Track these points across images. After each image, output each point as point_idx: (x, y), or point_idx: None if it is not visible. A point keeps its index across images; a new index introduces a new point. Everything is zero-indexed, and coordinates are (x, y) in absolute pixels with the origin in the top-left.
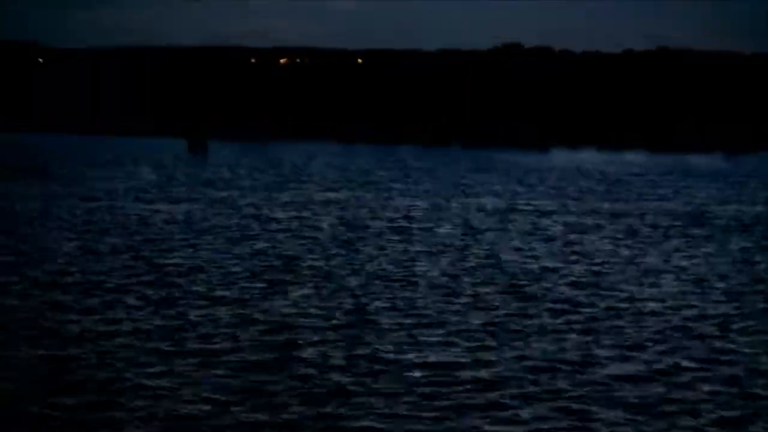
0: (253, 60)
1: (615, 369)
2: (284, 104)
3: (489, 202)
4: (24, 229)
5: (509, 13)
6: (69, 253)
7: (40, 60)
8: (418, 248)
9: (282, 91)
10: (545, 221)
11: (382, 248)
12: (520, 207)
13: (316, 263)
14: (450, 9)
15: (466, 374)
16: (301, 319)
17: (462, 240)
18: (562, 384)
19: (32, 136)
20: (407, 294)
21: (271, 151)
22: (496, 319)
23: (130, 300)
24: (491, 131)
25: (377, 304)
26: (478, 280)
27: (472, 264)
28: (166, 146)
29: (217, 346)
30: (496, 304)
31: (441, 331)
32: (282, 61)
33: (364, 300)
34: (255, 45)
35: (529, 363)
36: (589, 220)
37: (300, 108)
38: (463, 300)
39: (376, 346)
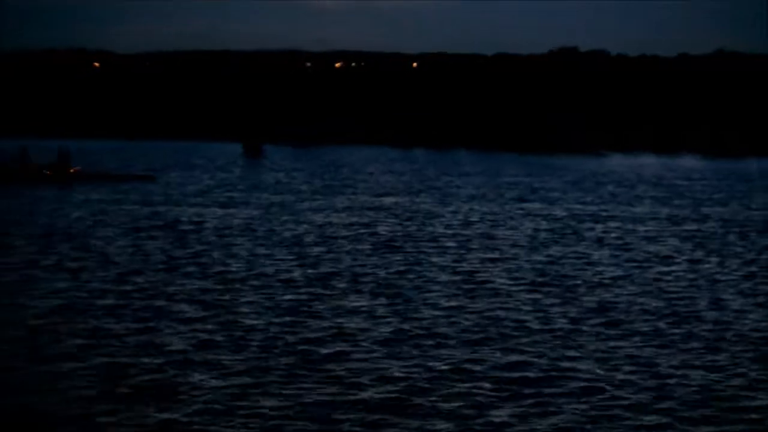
0: (308, 64)
1: (675, 379)
2: (339, 108)
3: (546, 207)
4: (82, 234)
5: (565, 17)
6: (126, 258)
7: (96, 65)
8: (477, 255)
9: (337, 94)
10: (603, 227)
11: (441, 255)
12: (578, 212)
13: (374, 270)
14: (506, 12)
15: (527, 386)
16: (359, 328)
17: (520, 246)
18: (623, 393)
19: (86, 142)
20: (466, 302)
21: (327, 155)
22: (556, 329)
23: (187, 307)
24: (547, 136)
25: (435, 311)
26: (537, 288)
27: (531, 271)
28: (222, 150)
29: (274, 356)
30: (555, 312)
31: (501, 343)
32: (337, 65)
33: (422, 308)
34: (310, 49)
35: (589, 375)
36: (647, 227)
37: (355, 112)
38: (522, 309)
39: (435, 356)
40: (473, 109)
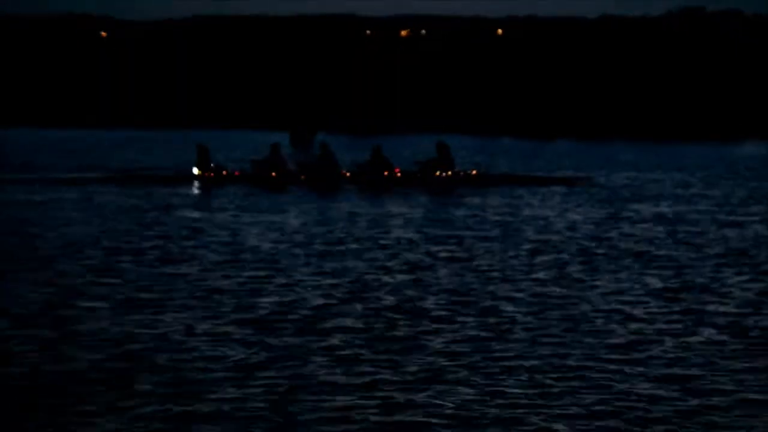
0: (367, 32)
1: None
2: (406, 87)
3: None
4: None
5: None
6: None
7: (103, 33)
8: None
9: (402, 70)
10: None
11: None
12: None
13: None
14: None
15: None
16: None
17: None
18: None
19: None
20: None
21: (394, 146)
22: None
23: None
24: (663, 121)
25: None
26: None
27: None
28: (264, 140)
29: None
30: None
31: None
32: (403, 32)
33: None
34: (368, 13)
35: None
36: None
37: (426, 92)
38: None
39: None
40: (572, 86)
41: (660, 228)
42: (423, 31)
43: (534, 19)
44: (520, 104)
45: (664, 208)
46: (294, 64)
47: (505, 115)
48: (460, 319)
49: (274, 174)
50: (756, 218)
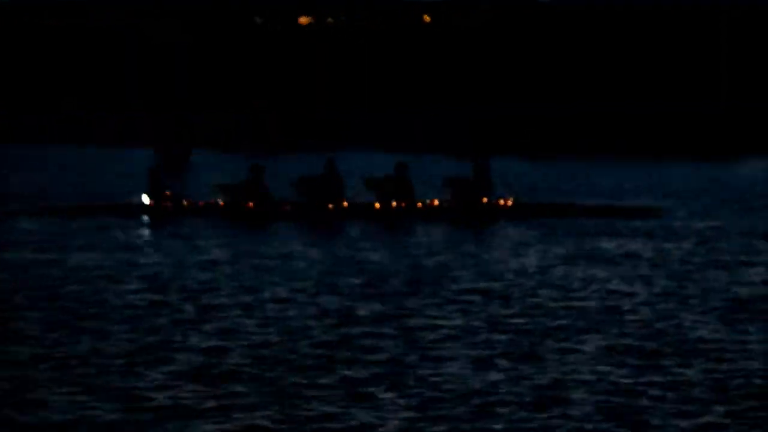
0: (257, 19)
1: None
2: (305, 92)
3: None
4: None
5: None
6: None
7: None
8: None
9: (301, 69)
10: None
11: None
12: None
13: None
14: None
15: None
16: None
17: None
18: None
19: None
20: None
21: (292, 167)
22: None
23: None
24: (646, 134)
25: None
26: None
27: None
28: (126, 161)
29: None
30: None
31: None
32: (302, 20)
33: None
34: None
35: None
36: None
37: (329, 98)
38: None
39: None
40: (521, 89)
41: (638, 272)
42: (329, 20)
43: (472, 2)
44: (452, 112)
45: (642, 245)
46: (162, 61)
47: (431, 127)
48: (394, 391)
49: (251, 203)
50: (763, 258)
